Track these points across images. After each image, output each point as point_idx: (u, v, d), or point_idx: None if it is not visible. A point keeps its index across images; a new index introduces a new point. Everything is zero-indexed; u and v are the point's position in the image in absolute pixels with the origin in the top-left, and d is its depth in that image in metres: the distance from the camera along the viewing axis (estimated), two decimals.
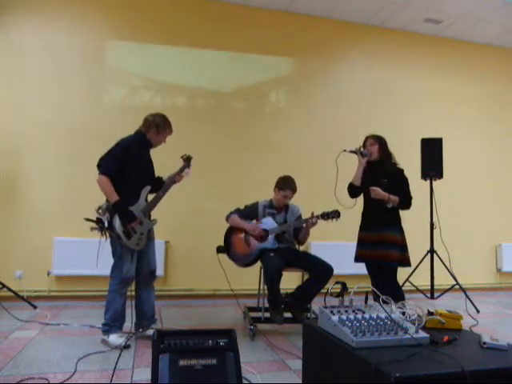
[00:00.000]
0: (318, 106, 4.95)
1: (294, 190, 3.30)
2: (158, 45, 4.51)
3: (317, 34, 5.00)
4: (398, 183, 3.02)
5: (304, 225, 3.24)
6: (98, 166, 2.74)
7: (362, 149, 3.13)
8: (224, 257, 3.30)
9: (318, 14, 4.97)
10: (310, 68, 4.98)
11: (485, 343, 1.52)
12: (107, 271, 2.82)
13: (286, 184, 3.29)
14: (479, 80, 5.54)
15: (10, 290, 3.64)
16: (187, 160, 2.99)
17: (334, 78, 5.06)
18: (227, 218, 3.33)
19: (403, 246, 2.98)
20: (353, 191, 3.15)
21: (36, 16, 4.24)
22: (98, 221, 2.70)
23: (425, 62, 5.35)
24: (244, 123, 4.70)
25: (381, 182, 2.99)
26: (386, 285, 2.95)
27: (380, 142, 3.10)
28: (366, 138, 3.16)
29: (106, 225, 2.69)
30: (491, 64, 5.62)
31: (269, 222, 3.26)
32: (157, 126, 2.87)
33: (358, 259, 3.09)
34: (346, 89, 5.07)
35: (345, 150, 3.11)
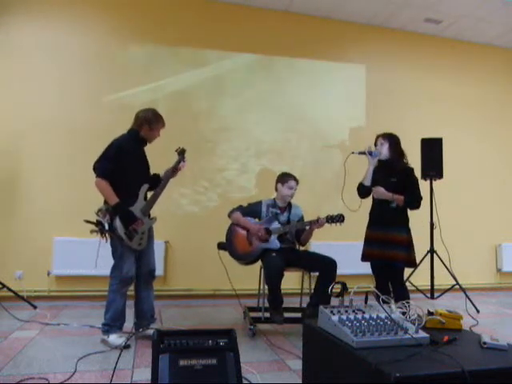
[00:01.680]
0: (318, 105, 4.94)
1: (296, 179, 3.29)
2: (158, 45, 4.50)
3: (317, 34, 5.00)
4: (406, 182, 2.97)
5: (307, 227, 3.22)
6: (94, 169, 2.73)
7: (372, 148, 3.07)
8: (225, 254, 3.28)
9: (318, 14, 4.96)
10: (310, 68, 4.98)
11: (485, 343, 1.52)
12: (107, 271, 2.82)
13: (287, 175, 3.30)
14: (479, 80, 5.53)
15: (10, 290, 3.64)
16: (181, 153, 2.96)
17: (335, 77, 5.06)
18: (229, 215, 3.32)
19: (409, 247, 2.94)
20: (362, 191, 3.09)
21: (36, 16, 4.23)
22: (98, 223, 2.70)
23: (425, 62, 5.35)
24: (243, 123, 4.69)
25: (389, 181, 2.96)
26: (392, 284, 2.95)
27: (390, 140, 3.04)
28: (377, 137, 3.10)
29: (107, 227, 2.68)
30: (491, 64, 5.61)
31: (272, 223, 3.25)
32: (149, 123, 2.85)
33: (364, 258, 3.05)
34: (345, 89, 5.07)
35: (353, 153, 3.06)
